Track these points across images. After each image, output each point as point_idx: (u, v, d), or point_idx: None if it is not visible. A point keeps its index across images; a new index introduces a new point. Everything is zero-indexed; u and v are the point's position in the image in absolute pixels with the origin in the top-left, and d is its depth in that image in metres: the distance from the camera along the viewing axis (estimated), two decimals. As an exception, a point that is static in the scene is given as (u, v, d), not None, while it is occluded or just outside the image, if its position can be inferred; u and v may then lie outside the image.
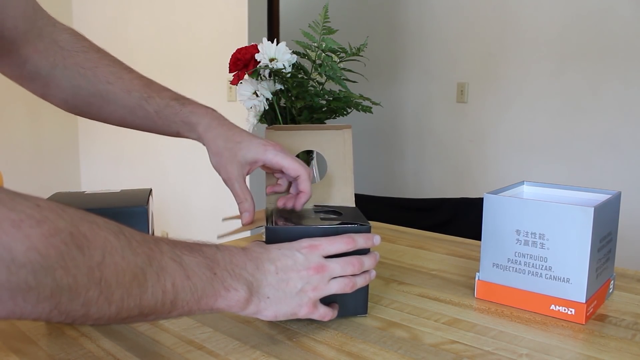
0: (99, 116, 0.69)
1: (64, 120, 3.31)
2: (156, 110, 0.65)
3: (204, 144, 0.65)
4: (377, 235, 0.59)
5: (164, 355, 0.55)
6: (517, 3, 2.76)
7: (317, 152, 0.78)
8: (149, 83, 0.67)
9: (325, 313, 0.56)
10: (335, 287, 0.55)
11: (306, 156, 0.79)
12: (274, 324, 0.62)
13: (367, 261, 0.58)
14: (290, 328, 0.61)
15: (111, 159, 3.24)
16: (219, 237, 0.65)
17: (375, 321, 0.63)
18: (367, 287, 0.62)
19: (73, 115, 3.25)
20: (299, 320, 0.63)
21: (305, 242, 0.55)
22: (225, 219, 0.71)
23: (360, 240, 0.58)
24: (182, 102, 0.65)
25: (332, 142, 0.70)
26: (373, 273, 0.60)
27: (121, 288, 0.38)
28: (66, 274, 0.35)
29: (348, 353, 0.55)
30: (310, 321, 0.63)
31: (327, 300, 0.57)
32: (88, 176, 3.42)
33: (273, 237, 0.59)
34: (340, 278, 0.56)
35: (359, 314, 0.64)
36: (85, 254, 0.36)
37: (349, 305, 0.62)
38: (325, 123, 0.83)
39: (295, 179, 0.64)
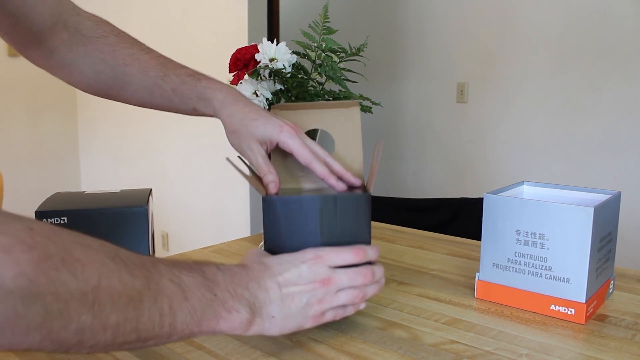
0: (120, 98, 0.70)
1: (64, 120, 3.31)
2: (172, 88, 0.66)
3: (220, 120, 0.65)
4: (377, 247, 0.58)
5: (164, 355, 0.55)
6: (517, 3, 2.76)
7: (321, 131, 0.75)
8: (165, 62, 0.67)
9: (334, 317, 0.54)
10: (343, 299, 0.53)
11: (313, 134, 0.77)
12: (274, 324, 0.62)
13: (378, 271, 0.55)
14: (290, 328, 0.61)
15: (111, 159, 3.24)
16: (227, 159, 0.64)
17: (375, 321, 0.63)
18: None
19: (73, 115, 3.22)
20: (299, 320, 0.63)
21: (310, 253, 0.53)
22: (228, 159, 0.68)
23: (370, 252, 0.55)
24: (198, 78, 0.66)
25: (340, 120, 0.68)
26: (382, 281, 0.57)
27: (116, 312, 0.37)
28: (56, 299, 0.33)
29: (348, 353, 0.55)
30: (310, 321, 0.63)
31: None
32: (88, 176, 3.42)
33: (270, 209, 0.57)
34: (349, 289, 0.53)
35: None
36: (78, 278, 0.35)
37: None
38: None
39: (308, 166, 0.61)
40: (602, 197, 0.68)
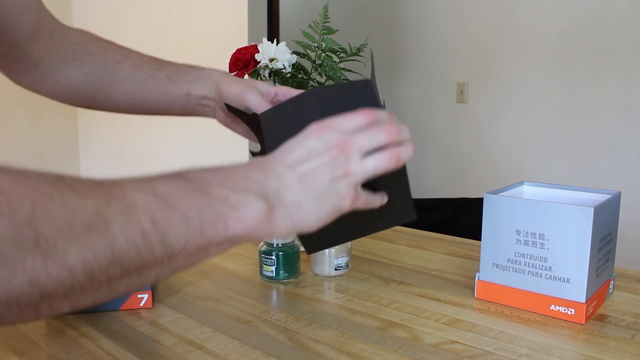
0: (108, 99, 0.70)
1: (64, 120, 3.31)
2: (168, 75, 0.67)
3: (217, 92, 0.64)
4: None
5: (164, 355, 0.55)
6: (517, 3, 2.76)
7: None
8: (157, 59, 0.70)
9: (371, 199, 0.46)
10: (372, 165, 0.43)
11: None
12: (273, 324, 0.62)
13: (404, 128, 0.46)
14: (290, 328, 0.61)
15: (111, 159, 3.24)
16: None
17: (375, 321, 0.63)
18: (406, 182, 0.50)
19: (73, 115, 3.23)
20: (298, 320, 0.63)
21: (313, 126, 0.44)
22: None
23: (381, 114, 0.46)
24: (194, 65, 0.68)
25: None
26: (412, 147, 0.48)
27: (75, 244, 0.29)
28: None
29: (348, 353, 0.55)
30: (310, 321, 0.63)
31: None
32: (88, 176, 3.42)
33: (269, 122, 0.50)
34: (377, 154, 0.44)
35: (408, 219, 0.52)
36: (3, 213, 0.27)
37: (393, 212, 0.51)
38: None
39: None
40: (602, 197, 0.68)
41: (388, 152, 0.44)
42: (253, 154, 0.59)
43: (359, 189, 0.44)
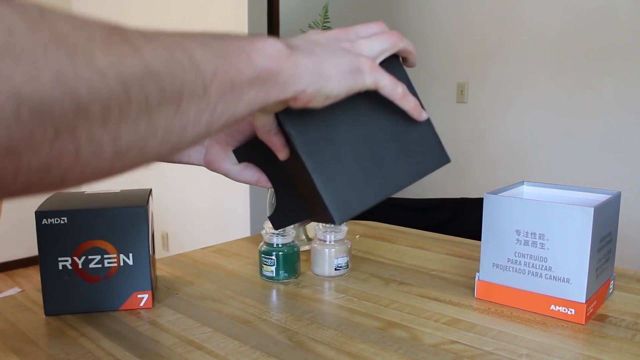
0: None
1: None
2: None
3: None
4: None
5: (164, 355, 0.55)
6: (517, 3, 2.76)
7: None
8: None
9: (396, 81, 0.44)
10: (377, 40, 0.44)
11: None
12: (273, 324, 0.62)
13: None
14: (290, 328, 0.61)
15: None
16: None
17: (375, 321, 0.63)
18: (432, 128, 0.50)
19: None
20: (299, 320, 0.63)
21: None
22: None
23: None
24: None
25: None
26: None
27: (99, 46, 0.25)
28: None
29: (348, 353, 0.55)
30: (310, 321, 0.63)
31: (386, 168, 0.47)
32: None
33: (289, 119, 0.45)
34: (378, 35, 0.45)
35: (443, 162, 0.52)
36: (13, 9, 0.23)
37: (426, 158, 0.50)
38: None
39: None
40: (602, 197, 0.68)
41: (386, 32, 0.45)
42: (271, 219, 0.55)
43: (377, 62, 0.44)
